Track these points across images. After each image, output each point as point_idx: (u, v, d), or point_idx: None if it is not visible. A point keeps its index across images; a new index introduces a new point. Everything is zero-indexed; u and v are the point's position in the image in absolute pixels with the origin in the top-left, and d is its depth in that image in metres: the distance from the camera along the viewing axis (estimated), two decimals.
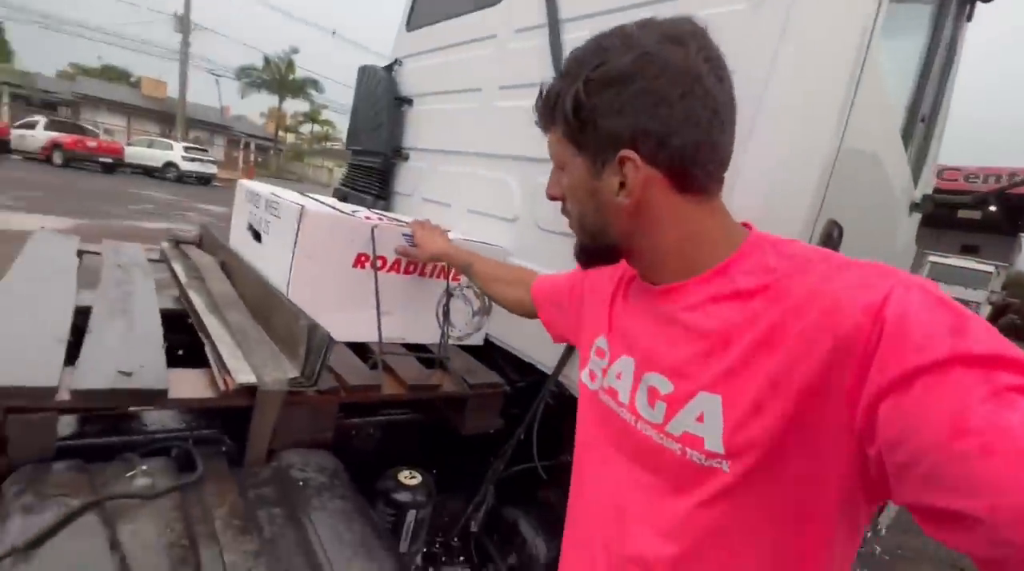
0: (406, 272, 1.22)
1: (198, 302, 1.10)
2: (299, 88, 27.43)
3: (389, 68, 2.12)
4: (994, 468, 0.31)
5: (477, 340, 1.38)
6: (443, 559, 1.04)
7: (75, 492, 0.61)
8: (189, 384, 0.80)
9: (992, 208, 6.03)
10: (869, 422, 0.38)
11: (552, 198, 0.60)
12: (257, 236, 1.26)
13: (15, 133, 14.49)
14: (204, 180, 16.76)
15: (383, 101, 2.01)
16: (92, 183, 11.53)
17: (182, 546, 0.60)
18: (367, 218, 1.19)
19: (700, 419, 0.47)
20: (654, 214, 0.52)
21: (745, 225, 0.55)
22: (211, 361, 0.86)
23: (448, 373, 1.14)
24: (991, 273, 7.53)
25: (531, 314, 0.91)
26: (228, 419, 0.90)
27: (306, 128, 35.19)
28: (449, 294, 1.26)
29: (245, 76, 26.15)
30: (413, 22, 2.11)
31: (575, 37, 1.44)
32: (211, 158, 17.97)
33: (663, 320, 0.54)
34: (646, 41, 0.48)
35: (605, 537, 0.57)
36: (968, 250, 8.95)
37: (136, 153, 16.19)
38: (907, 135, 1.42)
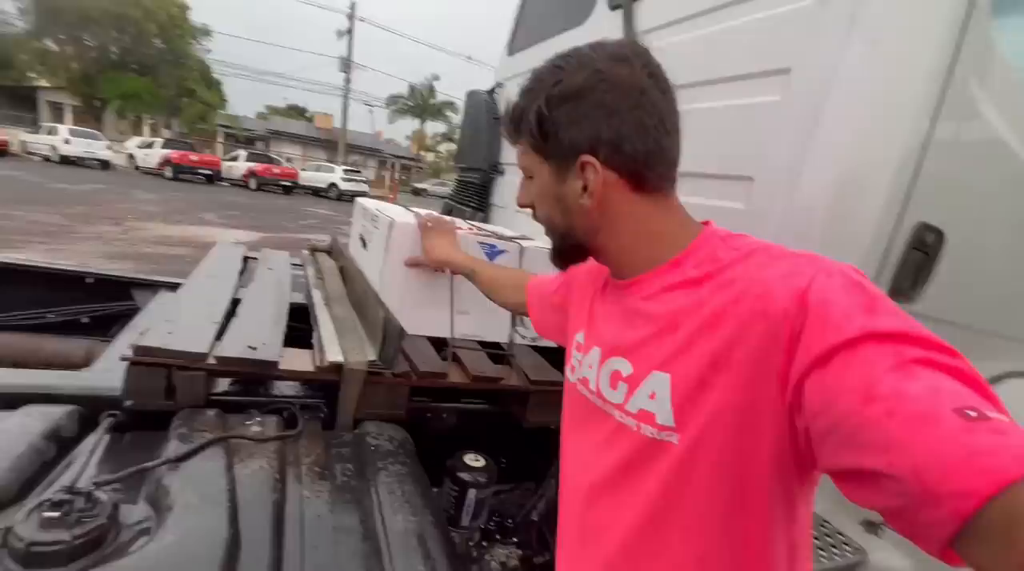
0: None
1: (317, 298, 1.36)
2: (438, 111, 30.02)
3: (491, 91, 2.31)
4: (895, 429, 0.34)
5: (549, 341, 1.46)
6: (497, 538, 1.14)
7: (211, 430, 0.84)
8: (296, 359, 1.02)
9: None
10: (797, 397, 0.42)
11: (522, 206, 0.66)
12: (364, 244, 1.50)
13: (224, 164, 18.08)
14: (358, 197, 19.17)
15: (484, 121, 2.20)
16: (275, 202, 13.95)
17: (274, 478, 0.78)
18: (468, 232, 1.36)
19: (652, 396, 0.52)
20: (614, 212, 0.57)
21: (705, 223, 0.59)
22: (314, 343, 1.08)
23: (513, 369, 1.25)
24: None
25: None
26: (329, 392, 1.11)
27: (444, 147, 38.34)
28: None
29: (393, 104, 29.41)
30: (513, 47, 2.29)
31: (654, 48, 1.46)
32: (363, 178, 20.45)
33: (625, 310, 0.60)
34: (597, 61, 0.54)
35: (578, 514, 0.62)
36: None
37: (308, 176, 19.14)
38: None
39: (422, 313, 1.26)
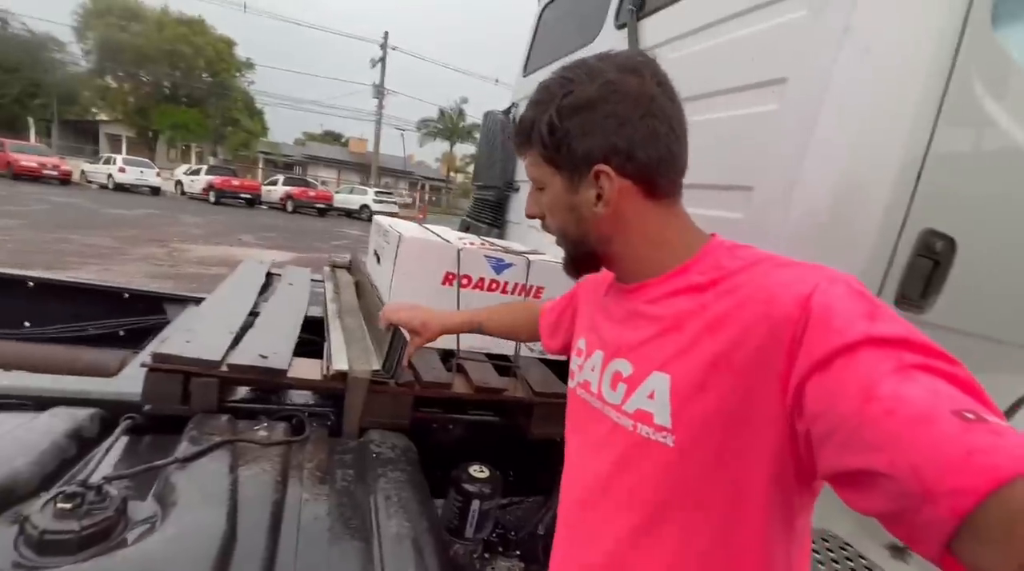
0: (489, 289, 1.38)
1: (331, 310, 1.41)
2: (467, 133, 30.68)
3: (507, 111, 2.37)
4: (894, 429, 0.35)
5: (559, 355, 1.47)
6: (500, 550, 1.14)
7: (220, 433, 0.88)
8: (305, 368, 1.06)
9: None
10: (798, 400, 0.42)
11: (531, 217, 0.66)
12: (378, 259, 1.55)
13: (264, 189, 18.91)
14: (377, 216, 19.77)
15: (499, 140, 2.26)
16: (310, 224, 14.46)
17: (276, 480, 0.82)
18: (471, 244, 1.39)
19: (651, 396, 0.52)
20: (627, 220, 0.58)
21: (711, 235, 0.60)
22: (324, 353, 1.12)
23: (518, 381, 1.26)
24: None
25: None
26: (338, 401, 1.15)
27: (473, 168, 38.98)
28: None
29: (424, 127, 30.26)
30: (528, 68, 2.35)
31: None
32: (394, 200, 20.98)
33: (628, 313, 0.61)
34: (607, 72, 0.55)
35: (572, 515, 0.63)
36: None
37: (341, 199, 19.77)
38: None
39: None
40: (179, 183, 18.73)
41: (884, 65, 0.84)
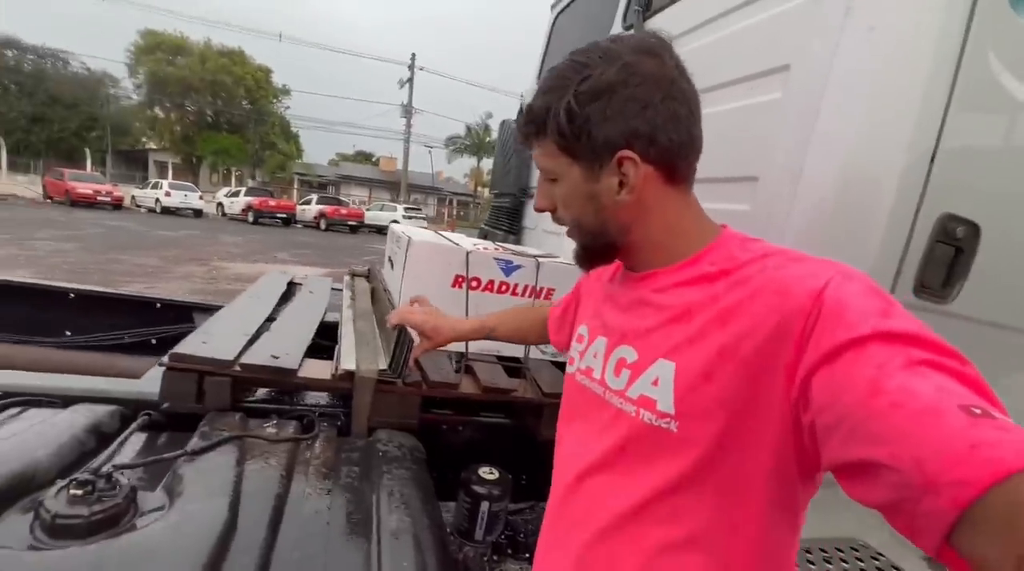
0: (499, 291, 1.39)
1: (346, 315, 1.44)
2: (493, 148, 31.07)
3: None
4: (898, 421, 0.35)
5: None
6: (509, 552, 1.12)
7: (231, 430, 0.91)
8: (314, 369, 1.08)
9: None
10: (804, 392, 0.42)
11: (542, 210, 0.64)
12: (392, 265, 1.58)
13: (299, 208, 19.59)
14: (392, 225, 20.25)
15: (512, 147, 2.28)
16: (342, 241, 14.87)
17: (280, 475, 0.83)
18: (484, 249, 1.41)
19: (655, 383, 0.52)
20: (648, 206, 0.57)
21: (723, 226, 0.60)
22: (335, 354, 1.15)
23: (528, 382, 1.25)
24: None
25: None
26: (349, 401, 1.16)
27: None
28: None
29: (451, 144, 30.85)
30: (542, 75, 2.37)
31: None
32: (423, 215, 21.40)
33: (635, 301, 0.60)
34: (623, 54, 0.53)
35: (564, 498, 0.62)
36: None
37: (372, 216, 20.30)
38: None
39: None
40: (220, 205, 19.63)
41: (889, 44, 0.81)
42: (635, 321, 0.58)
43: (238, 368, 1.00)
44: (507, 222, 2.29)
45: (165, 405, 0.97)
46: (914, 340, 0.39)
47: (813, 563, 1.01)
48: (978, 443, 0.31)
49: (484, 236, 2.42)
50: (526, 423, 1.25)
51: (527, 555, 1.12)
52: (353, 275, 2.01)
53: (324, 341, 1.33)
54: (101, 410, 0.91)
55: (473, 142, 30.91)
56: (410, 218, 19.60)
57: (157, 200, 17.46)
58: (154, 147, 32.01)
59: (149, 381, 1.08)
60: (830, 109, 0.85)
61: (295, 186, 31.55)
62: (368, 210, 21.14)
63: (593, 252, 0.63)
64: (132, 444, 0.89)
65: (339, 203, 20.37)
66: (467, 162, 33.95)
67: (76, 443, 0.81)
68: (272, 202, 18.31)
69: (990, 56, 0.83)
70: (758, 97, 1.01)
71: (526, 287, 1.40)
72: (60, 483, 0.67)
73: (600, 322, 0.65)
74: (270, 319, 1.35)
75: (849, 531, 1.11)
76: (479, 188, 36.36)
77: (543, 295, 1.41)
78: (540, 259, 1.41)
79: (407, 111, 25.25)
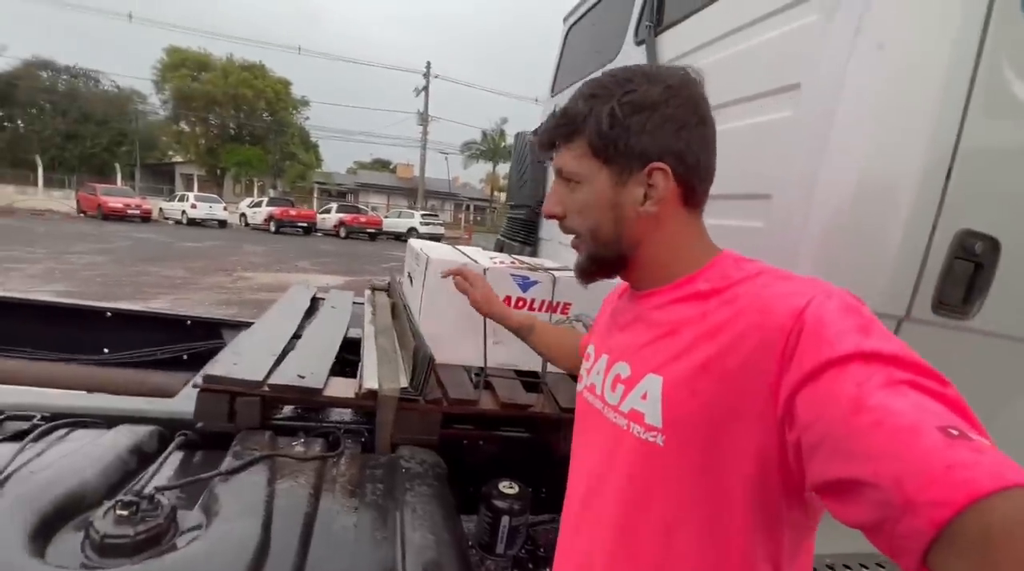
0: (517, 307, 1.41)
1: (368, 331, 1.48)
2: (509, 153, 31.17)
3: (536, 131, 2.42)
4: (880, 439, 0.36)
5: None
6: (530, 566, 1.14)
7: (260, 448, 0.95)
8: (340, 387, 1.12)
9: None
10: (788, 410, 0.43)
11: (551, 216, 0.64)
12: (411, 281, 1.62)
13: (319, 217, 19.94)
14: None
15: (529, 160, 2.31)
16: (361, 248, 15.09)
17: (309, 493, 0.87)
18: (500, 263, 1.44)
19: (644, 397, 0.54)
20: (663, 223, 0.59)
21: (723, 250, 0.62)
22: (357, 373, 1.19)
23: (545, 397, 1.27)
24: None
25: None
26: (373, 418, 1.20)
27: None
28: (554, 324, 1.39)
29: (467, 150, 31.07)
30: (556, 87, 2.40)
31: None
32: (440, 221, 21.57)
33: (634, 319, 0.62)
34: (666, 78, 0.57)
35: (573, 516, 0.64)
36: None
37: (390, 223, 20.54)
38: None
39: (457, 343, 1.33)
40: (243, 215, 20.12)
41: (900, 61, 0.81)
42: (631, 338, 0.61)
43: (267, 388, 1.04)
44: (523, 234, 2.31)
45: (199, 425, 1.02)
46: (894, 360, 0.40)
47: None
48: (953, 464, 0.32)
49: (500, 247, 2.45)
50: (545, 437, 1.27)
51: (547, 569, 1.14)
52: (374, 289, 2.06)
53: (348, 355, 1.37)
54: (142, 431, 0.96)
55: (489, 147, 31.07)
56: (428, 224, 19.78)
57: (183, 212, 17.99)
58: (180, 160, 32.98)
59: (183, 400, 1.14)
60: (842, 127, 0.86)
61: (315, 195, 32.14)
62: (386, 217, 21.41)
63: (600, 264, 0.63)
64: (170, 463, 0.93)
65: (358, 211, 20.68)
66: (483, 167, 34.15)
67: (120, 463, 0.86)
68: (293, 211, 18.69)
69: (1004, 65, 0.83)
70: (769, 115, 1.02)
71: (543, 302, 1.42)
72: (107, 504, 0.72)
73: (605, 340, 0.68)
74: (296, 336, 1.40)
75: (871, 546, 1.10)
76: (495, 193, 36.50)
77: (559, 309, 1.43)
78: (556, 274, 1.43)
79: (423, 118, 25.55)
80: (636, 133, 0.56)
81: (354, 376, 1.21)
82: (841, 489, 0.38)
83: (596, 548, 0.58)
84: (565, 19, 2.42)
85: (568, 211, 0.62)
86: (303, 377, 1.09)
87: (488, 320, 1.36)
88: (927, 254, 0.84)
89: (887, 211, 0.83)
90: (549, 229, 2.20)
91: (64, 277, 6.91)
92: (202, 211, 17.92)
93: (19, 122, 28.02)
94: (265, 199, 20.31)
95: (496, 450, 1.37)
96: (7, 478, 0.75)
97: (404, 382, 1.12)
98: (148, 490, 0.75)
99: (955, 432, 0.34)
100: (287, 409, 1.22)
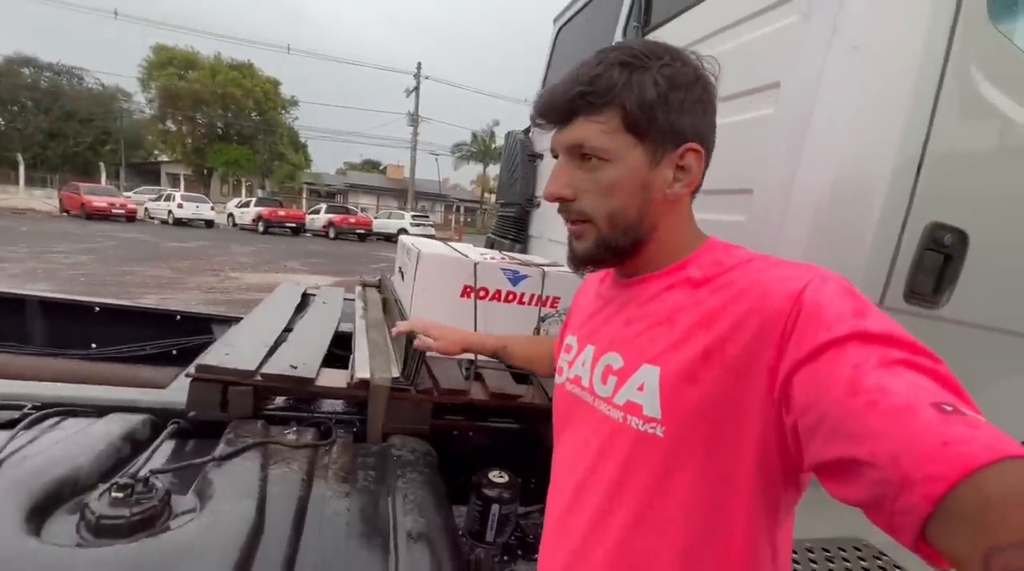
0: (506, 300, 1.43)
1: (359, 325, 1.49)
2: (499, 155, 31.21)
3: (527, 131, 2.45)
4: (876, 419, 0.36)
5: None
6: (519, 553, 1.16)
7: (253, 436, 0.96)
8: (331, 378, 1.14)
9: None
10: (785, 392, 0.44)
11: (557, 198, 0.59)
12: (402, 276, 1.63)
13: (308, 217, 19.81)
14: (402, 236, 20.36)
15: (520, 158, 2.33)
16: (350, 249, 15.01)
17: (302, 479, 0.88)
18: (492, 258, 1.46)
19: (641, 388, 0.53)
20: (676, 207, 0.58)
21: (709, 237, 0.63)
22: (350, 364, 1.20)
23: (535, 387, 1.29)
24: None
25: None
26: (364, 408, 1.21)
27: None
28: (541, 319, 1.42)
29: (457, 151, 31.07)
30: (546, 85, 2.43)
31: None
32: (430, 222, 21.53)
33: (623, 307, 0.61)
34: (692, 61, 0.56)
35: (561, 510, 0.63)
36: None
37: (380, 223, 20.46)
38: None
39: None
40: (231, 215, 19.91)
41: (874, 61, 0.85)
42: (621, 327, 0.59)
43: (259, 378, 1.05)
44: (513, 231, 2.33)
45: (192, 413, 1.03)
46: (889, 340, 0.40)
47: (815, 563, 1.04)
48: (949, 440, 0.33)
49: (491, 245, 2.47)
50: (534, 427, 1.29)
51: (536, 556, 1.16)
52: (365, 285, 2.07)
53: (339, 351, 1.38)
54: (134, 419, 0.97)
55: (479, 149, 31.10)
56: (418, 225, 19.72)
57: (170, 212, 17.75)
58: (166, 159, 32.58)
59: (175, 391, 1.14)
60: (819, 125, 0.89)
61: (304, 196, 31.93)
62: (376, 218, 21.32)
63: (613, 251, 0.59)
64: (163, 451, 0.94)
65: (347, 212, 20.58)
66: (473, 169, 34.15)
67: (113, 450, 0.86)
68: (281, 212, 18.55)
69: (971, 68, 0.87)
70: (752, 112, 1.05)
71: (532, 296, 1.45)
72: (102, 487, 0.73)
73: (588, 331, 0.66)
74: (287, 329, 1.41)
75: (851, 531, 1.13)
76: (485, 194, 36.52)
77: (548, 303, 1.45)
78: (545, 269, 1.46)
79: (414, 120, 25.51)
80: (675, 109, 0.53)
81: (345, 368, 1.22)
82: (839, 469, 0.39)
83: (594, 542, 0.57)
84: (555, 20, 2.46)
85: (580, 193, 0.57)
86: (295, 367, 1.10)
87: (479, 313, 1.39)
88: (899, 246, 0.88)
89: (861, 205, 0.87)
90: (539, 226, 2.22)
91: (47, 276, 6.79)
92: (188, 211, 17.70)
93: (0, 120, 27.49)
94: (253, 199, 20.13)
95: (486, 441, 1.39)
96: (0, 462, 0.76)
97: (396, 372, 1.14)
98: (142, 474, 0.76)
99: (949, 408, 0.34)
100: (279, 400, 1.23)
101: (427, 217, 22.10)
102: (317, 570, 0.72)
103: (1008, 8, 0.91)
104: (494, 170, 34.66)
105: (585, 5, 2.13)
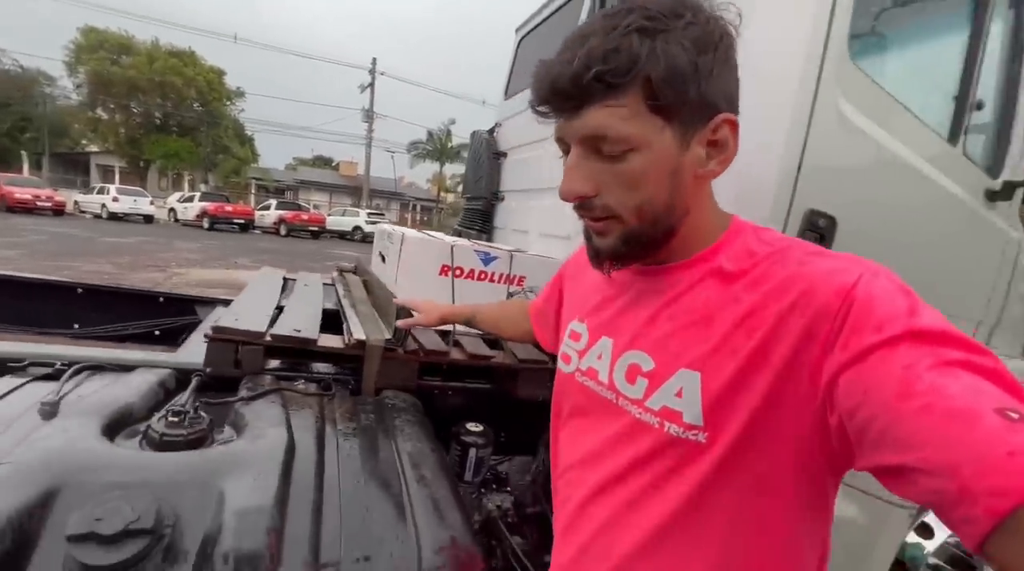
0: (479, 278, 1.64)
1: (345, 303, 1.65)
2: (456, 154, 31.23)
3: (491, 131, 2.66)
4: (930, 424, 0.34)
5: None
6: (494, 487, 1.37)
7: (266, 385, 1.12)
8: (329, 340, 1.30)
9: None
10: (830, 393, 0.41)
11: (576, 198, 0.51)
12: (383, 259, 1.81)
13: (257, 214, 19.14)
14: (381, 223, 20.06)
15: (485, 156, 2.54)
16: (303, 247, 14.67)
17: (316, 416, 1.06)
18: (466, 243, 1.65)
19: (679, 394, 0.49)
20: (705, 186, 0.52)
21: (732, 216, 0.58)
22: (343, 330, 1.37)
23: (505, 352, 1.51)
24: None
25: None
26: (356, 370, 1.39)
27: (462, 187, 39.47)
28: (509, 295, 1.64)
29: (413, 149, 30.80)
30: (509, 92, 2.65)
31: None
32: (386, 220, 21.24)
33: (644, 299, 0.56)
34: (713, 11, 0.48)
35: (581, 508, 0.59)
36: None
37: (334, 221, 20.03)
38: (957, 125, 1.43)
39: None
40: (172, 211, 18.94)
41: (764, 87, 1.12)
42: (645, 323, 0.55)
43: (269, 338, 1.21)
44: (480, 223, 2.54)
45: (208, 370, 1.17)
46: (945, 338, 0.38)
47: None
48: (1016, 450, 0.30)
49: (458, 234, 2.66)
50: (504, 386, 1.51)
51: (507, 489, 1.37)
52: (342, 271, 2.21)
53: (325, 326, 1.54)
54: (163, 372, 1.10)
55: (435, 147, 30.98)
56: (374, 223, 19.43)
57: (104, 206, 16.69)
58: (96, 150, 30.41)
59: (185, 353, 1.27)
60: None
61: (252, 191, 30.69)
62: (330, 215, 20.87)
63: (643, 245, 0.53)
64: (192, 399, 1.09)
65: (299, 208, 20.04)
66: (429, 167, 33.97)
67: (152, 394, 1.00)
68: (229, 207, 17.83)
69: (836, 95, 1.16)
70: None
71: (501, 275, 1.66)
72: (159, 413, 0.88)
73: (603, 320, 0.61)
74: (278, 307, 1.55)
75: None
76: (442, 193, 36.36)
77: (515, 281, 1.67)
78: (512, 253, 1.67)
79: (368, 116, 25.14)
80: (705, 77, 0.46)
81: (340, 334, 1.39)
82: (894, 473, 0.37)
83: (624, 547, 0.54)
84: (517, 30, 2.68)
85: (603, 187, 0.50)
86: (299, 331, 1.27)
87: (456, 289, 1.59)
88: (785, 228, 1.15)
89: (759, 197, 1.14)
90: (503, 218, 2.44)
91: None
92: (125, 205, 16.71)
93: None
94: (198, 194, 19.23)
95: (462, 400, 1.59)
96: (61, 399, 0.89)
97: (387, 335, 1.32)
98: (188, 406, 0.91)
99: (1015, 415, 0.32)
100: (277, 363, 1.38)
101: (383, 215, 21.86)
102: (343, 476, 0.90)
103: (864, 49, 1.20)
104: (451, 169, 34.64)
105: (548, 17, 2.36)
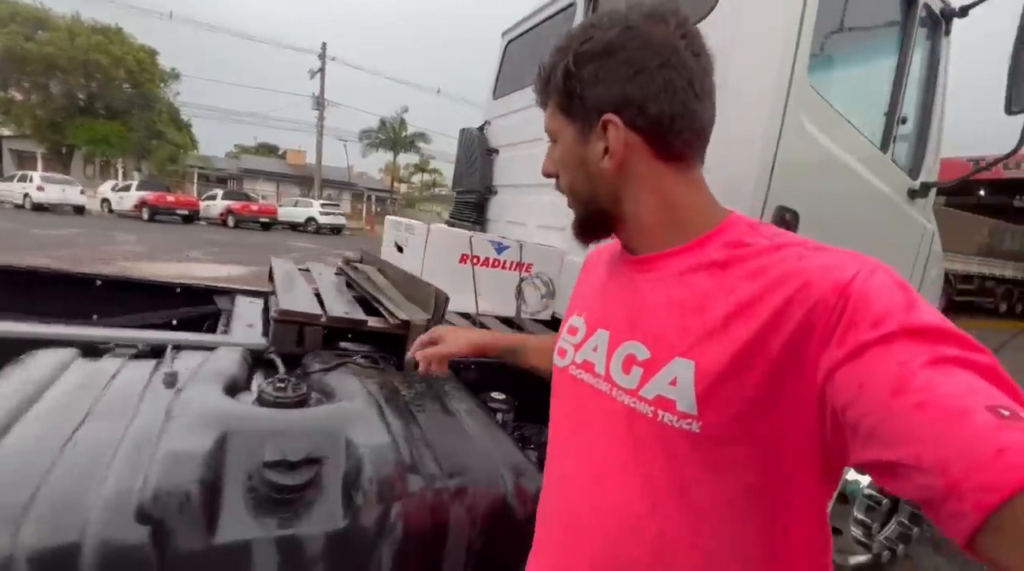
0: (493, 266, 1.84)
1: (370, 289, 1.80)
2: (410, 143, 30.74)
3: (481, 128, 2.83)
4: (922, 421, 0.35)
5: (546, 315, 1.95)
6: (519, 446, 1.59)
7: (331, 361, 1.28)
8: (374, 321, 1.47)
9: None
10: (825, 388, 0.42)
11: (547, 175, 0.64)
12: (400, 249, 1.96)
13: (203, 204, 18.22)
14: (336, 230, 19.48)
15: (477, 152, 2.71)
16: (255, 238, 14.17)
17: (379, 383, 1.23)
18: (480, 235, 1.84)
19: (673, 383, 0.50)
20: (636, 178, 0.56)
21: (731, 211, 0.59)
22: (383, 313, 1.53)
23: (525, 332, 1.72)
24: None
25: None
26: (395, 348, 1.55)
27: (418, 178, 39.04)
28: (521, 279, 1.84)
29: (366, 138, 30.04)
30: (497, 92, 2.83)
31: None
32: (341, 211, 20.77)
33: (639, 290, 0.57)
34: (631, 18, 0.53)
35: (574, 498, 0.60)
36: None
37: (286, 212, 19.37)
38: (887, 135, 1.75)
39: (453, 296, 1.72)
40: (106, 201, 17.70)
41: (742, 99, 1.38)
42: (639, 312, 0.56)
43: (325, 319, 1.36)
44: (473, 215, 2.71)
45: (272, 349, 1.31)
46: (941, 335, 0.38)
47: None
48: (1006, 447, 0.31)
49: (450, 226, 2.83)
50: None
51: (532, 446, 1.60)
52: (348, 262, 2.34)
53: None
54: (239, 350, 1.24)
55: (388, 137, 30.36)
56: (328, 214, 19.02)
57: (27, 195, 15.39)
58: (9, 134, 27.73)
59: (239, 335, 1.41)
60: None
61: (194, 181, 29.01)
62: (281, 206, 20.14)
63: (587, 222, 0.62)
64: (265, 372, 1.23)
65: (248, 199, 19.23)
66: (381, 157, 33.25)
67: (242, 367, 1.15)
68: (171, 197, 16.87)
69: (799, 109, 1.43)
70: None
71: (513, 262, 1.87)
72: (267, 379, 1.03)
73: (597, 313, 0.63)
74: (316, 294, 1.69)
75: None
76: (396, 184, 35.72)
77: (525, 269, 1.88)
78: (522, 242, 1.88)
79: (319, 103, 24.32)
80: (590, 84, 0.54)
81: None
82: (885, 469, 0.38)
83: (613, 534, 0.55)
84: (504, 34, 2.85)
85: (557, 169, 0.62)
86: (348, 313, 1.42)
87: (476, 278, 1.78)
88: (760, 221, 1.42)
89: (737, 194, 1.40)
90: (496, 211, 2.63)
91: None
92: (53, 194, 15.48)
93: None
94: (135, 183, 18.02)
95: (484, 374, 1.79)
96: (174, 374, 1.02)
97: (424, 316, 1.50)
98: (283, 375, 1.07)
99: (1006, 412, 0.33)
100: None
101: (337, 205, 21.33)
102: (425, 424, 1.08)
103: (817, 68, 1.48)
104: (404, 158, 34.07)
105: (536, 25, 2.55)
